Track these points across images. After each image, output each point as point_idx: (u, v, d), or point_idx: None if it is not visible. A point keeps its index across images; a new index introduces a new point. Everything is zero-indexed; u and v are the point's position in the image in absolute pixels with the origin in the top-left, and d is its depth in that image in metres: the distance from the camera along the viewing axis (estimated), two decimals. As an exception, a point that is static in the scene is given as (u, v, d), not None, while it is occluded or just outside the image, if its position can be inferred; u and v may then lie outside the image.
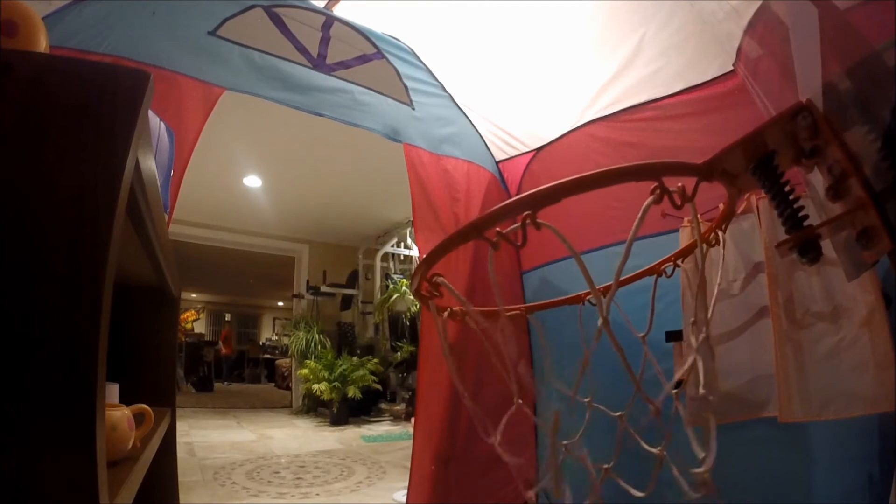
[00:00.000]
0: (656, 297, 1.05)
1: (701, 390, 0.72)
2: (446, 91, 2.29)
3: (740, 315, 1.37)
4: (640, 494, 0.66)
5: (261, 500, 2.54)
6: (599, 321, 0.60)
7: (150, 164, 0.64)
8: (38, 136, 0.43)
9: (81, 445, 0.40)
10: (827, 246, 0.66)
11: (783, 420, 1.23)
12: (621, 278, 0.77)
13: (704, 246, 0.78)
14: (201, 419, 5.27)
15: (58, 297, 0.41)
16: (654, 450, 0.76)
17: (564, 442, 0.67)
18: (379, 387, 5.49)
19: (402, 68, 2.12)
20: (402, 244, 5.89)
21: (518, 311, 1.27)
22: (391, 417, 5.59)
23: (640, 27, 1.59)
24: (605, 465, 1.02)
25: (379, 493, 2.73)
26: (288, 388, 7.28)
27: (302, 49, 1.82)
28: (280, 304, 13.91)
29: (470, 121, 2.34)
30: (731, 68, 1.43)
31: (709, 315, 0.75)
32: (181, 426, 3.73)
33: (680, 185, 0.62)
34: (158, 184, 0.80)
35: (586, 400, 0.98)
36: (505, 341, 0.72)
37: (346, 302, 6.63)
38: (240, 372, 12.05)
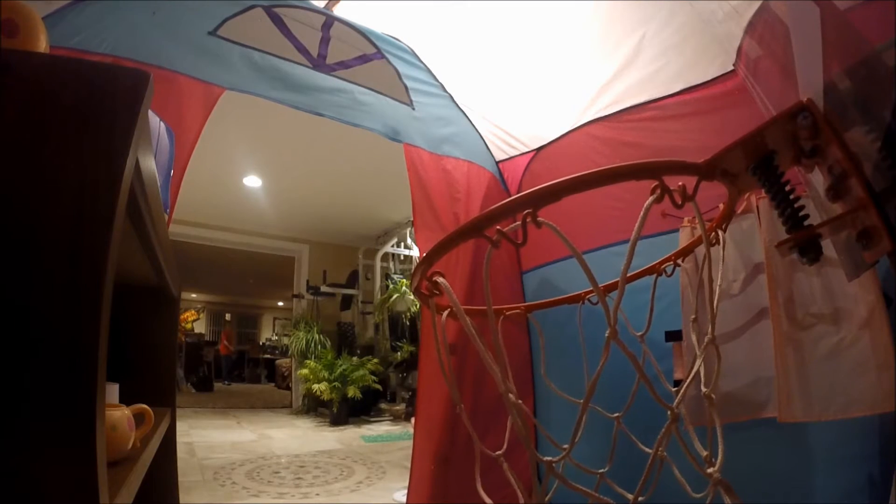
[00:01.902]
0: (656, 297, 1.05)
1: (703, 389, 0.72)
2: (446, 91, 2.29)
3: (740, 315, 1.36)
4: (640, 498, 0.66)
5: (261, 500, 2.54)
6: (607, 331, 0.60)
7: (150, 164, 0.64)
8: (38, 136, 0.43)
9: (81, 445, 0.40)
10: (827, 246, 0.66)
11: (783, 420, 1.22)
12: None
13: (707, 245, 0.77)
14: (201, 419, 5.26)
15: (58, 297, 0.41)
16: (662, 453, 0.76)
17: (564, 446, 0.67)
18: (379, 387, 5.49)
19: (403, 68, 2.12)
20: (402, 244, 5.89)
21: (518, 311, 1.27)
22: (391, 417, 5.59)
23: (640, 27, 1.59)
24: (601, 470, 1.02)
25: (379, 493, 2.73)
26: (288, 388, 7.28)
27: (302, 49, 1.82)
28: (280, 304, 13.91)
29: (470, 121, 2.34)
30: (731, 68, 1.43)
31: (713, 315, 0.74)
32: (181, 426, 3.72)
33: (681, 184, 0.62)
34: (158, 184, 0.80)
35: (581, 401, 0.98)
36: (498, 343, 0.72)
37: (346, 302, 6.63)
38: (240, 372, 12.05)
